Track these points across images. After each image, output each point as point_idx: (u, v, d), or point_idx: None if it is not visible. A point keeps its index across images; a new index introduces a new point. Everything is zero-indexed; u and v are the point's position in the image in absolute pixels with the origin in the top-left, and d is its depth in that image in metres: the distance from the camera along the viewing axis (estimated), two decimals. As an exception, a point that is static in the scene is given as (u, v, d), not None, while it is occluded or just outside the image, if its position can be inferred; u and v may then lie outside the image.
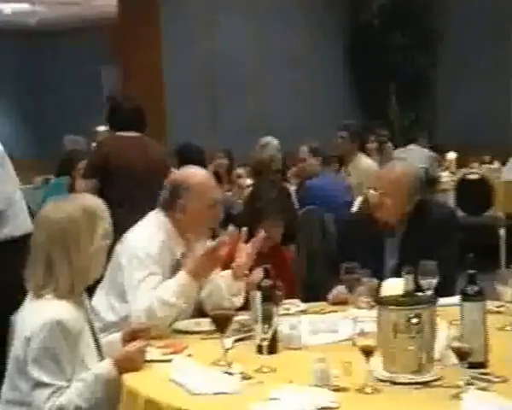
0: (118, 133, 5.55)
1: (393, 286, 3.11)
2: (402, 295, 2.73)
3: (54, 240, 2.76)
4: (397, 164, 4.03)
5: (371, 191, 4.01)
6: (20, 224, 4.51)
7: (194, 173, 3.63)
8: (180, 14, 9.92)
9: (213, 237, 3.77)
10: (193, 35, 9.95)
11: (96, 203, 2.90)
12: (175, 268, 3.46)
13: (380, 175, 4.04)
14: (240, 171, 7.61)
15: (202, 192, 3.54)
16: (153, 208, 3.66)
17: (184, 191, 3.52)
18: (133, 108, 5.64)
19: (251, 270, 3.65)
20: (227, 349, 2.88)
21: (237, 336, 3.13)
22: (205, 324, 3.30)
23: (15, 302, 3.29)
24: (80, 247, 2.77)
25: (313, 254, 5.96)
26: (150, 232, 3.50)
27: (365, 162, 7.55)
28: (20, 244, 4.46)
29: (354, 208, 6.34)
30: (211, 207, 3.58)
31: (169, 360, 2.89)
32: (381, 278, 3.49)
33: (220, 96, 10.08)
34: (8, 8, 12.58)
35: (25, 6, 12.56)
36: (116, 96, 5.95)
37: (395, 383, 2.58)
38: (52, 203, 2.87)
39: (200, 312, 3.56)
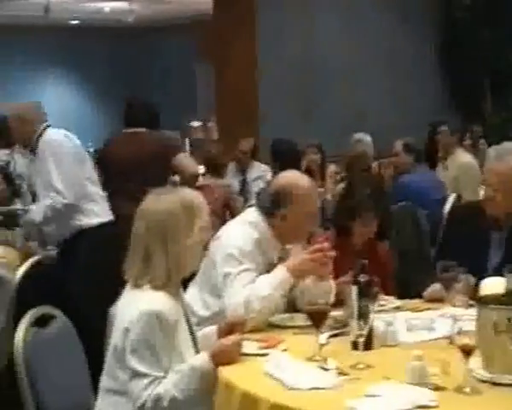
0: (123, 130, 5.80)
1: (493, 285, 3.03)
2: (503, 294, 2.65)
3: (152, 232, 2.78)
4: (508, 158, 3.87)
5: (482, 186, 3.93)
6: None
7: (299, 183, 3.55)
8: (275, 10, 9.91)
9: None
10: (287, 31, 9.92)
11: (195, 197, 2.90)
12: (268, 271, 3.43)
13: (491, 169, 3.91)
14: (333, 167, 7.56)
15: (305, 204, 3.50)
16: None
17: (287, 202, 3.49)
18: (142, 105, 5.88)
19: (343, 267, 3.61)
20: (322, 345, 2.85)
21: (332, 332, 3.10)
22: (299, 318, 3.28)
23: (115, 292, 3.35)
24: (177, 239, 2.78)
25: (405, 250, 5.87)
26: (245, 231, 3.49)
27: (464, 157, 7.48)
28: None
29: (447, 205, 6.23)
30: (311, 217, 3.55)
31: (265, 354, 2.88)
32: (483, 274, 3.39)
33: (313, 92, 10.03)
34: (106, 7, 12.81)
35: (122, 4, 12.76)
36: (132, 95, 6.32)
37: (496, 384, 2.50)
38: (152, 196, 2.88)
39: (292, 307, 3.53)
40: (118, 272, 4.30)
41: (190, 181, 5.80)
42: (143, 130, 5.63)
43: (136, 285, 2.78)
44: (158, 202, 2.83)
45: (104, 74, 15.86)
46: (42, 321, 3.05)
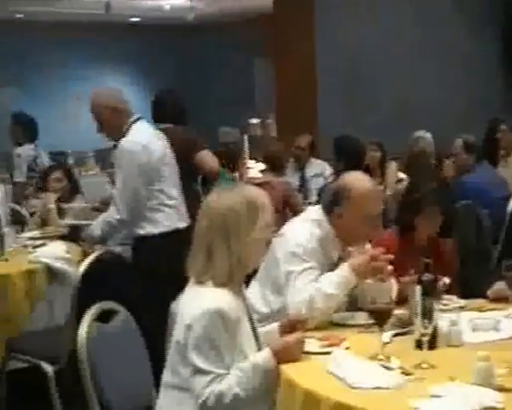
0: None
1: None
2: None
3: (215, 228, 2.78)
4: None
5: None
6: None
7: (358, 183, 3.51)
8: (332, 6, 9.87)
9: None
10: (344, 28, 9.86)
11: (259, 195, 2.89)
12: (330, 270, 3.41)
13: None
14: (394, 165, 7.48)
15: (361, 205, 3.45)
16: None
17: (343, 200, 3.47)
18: (170, 100, 6.00)
19: (406, 265, 3.57)
20: (385, 343, 2.83)
21: (395, 331, 3.07)
22: (361, 317, 3.25)
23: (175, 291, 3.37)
24: (240, 236, 2.78)
25: (467, 249, 5.79)
26: (308, 229, 3.48)
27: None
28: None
29: (511, 203, 6.13)
30: (368, 219, 3.49)
31: (327, 353, 2.86)
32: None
33: (370, 89, 9.95)
34: (167, 5, 12.89)
35: (183, 2, 12.82)
36: (160, 91, 6.37)
37: None
38: (216, 193, 2.89)
39: (352, 306, 3.51)
40: (179, 270, 4.35)
41: (209, 177, 5.90)
42: (170, 126, 5.65)
43: (199, 282, 2.78)
44: (221, 199, 2.83)
45: (164, 71, 15.97)
46: (105, 316, 3.08)
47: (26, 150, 7.81)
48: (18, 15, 13.90)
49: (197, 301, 2.72)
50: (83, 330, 2.92)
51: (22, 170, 7.84)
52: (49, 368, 4.29)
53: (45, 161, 7.95)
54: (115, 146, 4.79)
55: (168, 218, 4.77)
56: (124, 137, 4.73)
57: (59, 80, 14.98)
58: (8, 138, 13.25)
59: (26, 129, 8.01)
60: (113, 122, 4.78)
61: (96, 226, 4.78)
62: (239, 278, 2.84)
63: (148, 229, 4.72)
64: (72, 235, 5.18)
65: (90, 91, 5.03)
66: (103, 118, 4.80)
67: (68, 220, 5.40)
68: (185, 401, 2.73)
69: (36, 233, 5.75)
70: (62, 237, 5.33)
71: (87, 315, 2.99)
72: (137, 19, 14.93)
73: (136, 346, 3.14)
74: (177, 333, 2.78)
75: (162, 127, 5.55)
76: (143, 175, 4.66)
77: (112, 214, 4.68)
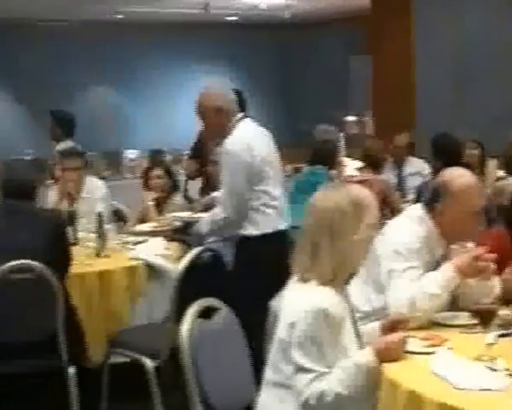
0: None
1: None
2: None
3: (321, 227, 2.77)
4: None
5: None
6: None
7: (458, 179, 3.45)
8: (430, 4, 9.75)
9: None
10: (442, 26, 9.73)
11: (364, 194, 2.87)
12: (433, 268, 3.36)
13: None
14: (493, 163, 7.34)
15: (462, 200, 3.39)
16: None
17: (443, 196, 3.41)
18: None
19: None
20: (490, 344, 2.76)
21: (500, 332, 2.99)
22: (463, 317, 3.20)
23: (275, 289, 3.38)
24: (345, 235, 2.76)
25: None
26: (411, 227, 3.43)
27: None
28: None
29: None
30: (471, 215, 3.42)
31: (430, 353, 2.83)
32: None
33: (469, 85, 9.78)
34: (263, 4, 12.91)
35: (279, 0, 12.84)
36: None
37: None
38: (322, 192, 2.89)
39: (452, 306, 3.44)
40: (279, 269, 4.36)
41: None
42: None
43: (303, 280, 2.78)
44: (327, 198, 2.82)
45: (261, 69, 16.02)
46: (206, 313, 3.10)
47: (64, 147, 8.07)
48: (118, 16, 14.16)
49: (301, 299, 2.72)
50: (185, 327, 2.94)
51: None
52: (149, 363, 4.37)
53: None
54: (218, 144, 4.81)
55: (269, 219, 4.76)
56: (228, 136, 4.74)
57: (155, 80, 15.17)
58: (111, 138, 13.56)
59: (64, 126, 8.27)
60: (216, 122, 4.79)
61: (204, 224, 4.81)
62: (343, 276, 2.83)
63: (249, 230, 4.73)
64: (182, 230, 5.23)
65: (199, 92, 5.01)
66: (206, 117, 4.83)
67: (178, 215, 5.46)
68: (287, 398, 2.73)
69: (150, 226, 5.85)
70: (175, 231, 5.40)
71: (189, 311, 3.01)
72: (234, 18, 15.02)
73: (238, 343, 3.16)
74: (280, 331, 2.78)
75: None
76: (248, 175, 4.66)
77: (219, 213, 4.71)
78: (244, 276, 4.68)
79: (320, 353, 2.66)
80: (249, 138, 4.73)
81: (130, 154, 13.04)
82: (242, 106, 6.14)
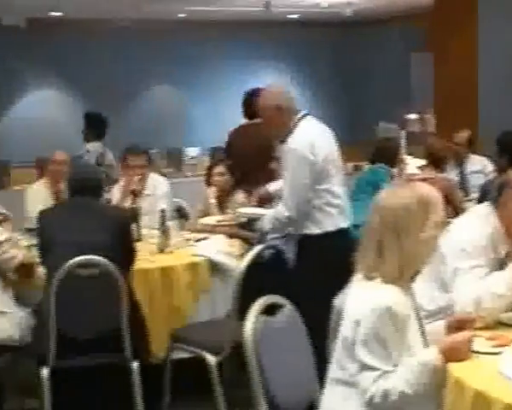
0: (249, 122, 6.69)
1: None
2: None
3: (386, 225, 2.76)
4: None
5: None
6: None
7: None
8: (494, 2, 9.63)
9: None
10: (507, 20, 9.58)
11: (431, 192, 2.85)
12: (498, 266, 3.32)
13: None
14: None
15: None
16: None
17: (506, 190, 3.36)
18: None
19: None
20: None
21: None
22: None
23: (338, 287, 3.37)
24: (411, 234, 2.74)
25: None
26: (477, 225, 3.40)
27: None
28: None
29: None
30: None
31: (496, 353, 2.79)
32: None
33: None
34: (324, 2, 12.87)
35: (341, -2, 12.80)
36: (248, 91, 6.90)
37: None
38: (387, 190, 2.87)
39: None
40: (341, 267, 4.34)
41: None
42: (257, 121, 5.72)
43: (368, 277, 2.77)
44: (393, 196, 2.81)
45: (322, 67, 15.98)
46: (270, 310, 3.11)
47: (94, 147, 8.28)
48: (181, 15, 14.26)
49: (366, 297, 2.71)
50: (249, 323, 2.95)
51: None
52: (211, 359, 4.39)
53: (110, 157, 8.33)
54: (282, 142, 4.80)
55: (332, 218, 4.74)
56: (291, 134, 4.74)
57: (217, 78, 15.25)
58: (172, 136, 13.69)
59: (94, 127, 8.56)
60: (276, 120, 4.79)
61: (267, 221, 4.81)
62: (408, 275, 2.80)
63: (311, 229, 4.72)
64: (246, 226, 5.25)
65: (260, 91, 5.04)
66: (267, 116, 4.84)
67: (243, 211, 5.49)
68: (351, 396, 2.72)
69: (215, 219, 5.88)
70: (240, 226, 5.45)
71: (253, 308, 3.02)
72: (295, 16, 15.01)
73: (301, 340, 3.16)
74: (345, 328, 2.77)
75: (250, 123, 6.37)
76: (311, 174, 4.64)
77: (281, 211, 4.70)
78: (305, 274, 4.67)
79: (385, 351, 2.64)
80: (311, 137, 4.71)
81: (191, 152, 13.13)
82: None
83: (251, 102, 6.38)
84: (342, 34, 15.80)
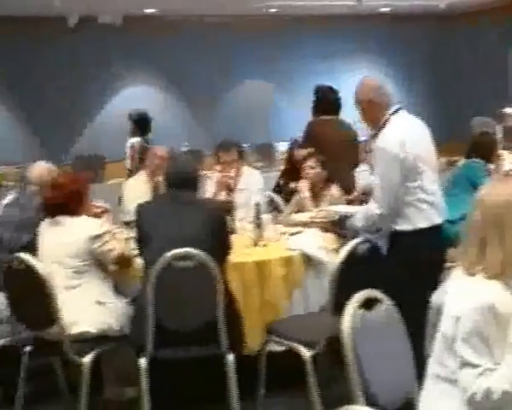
0: (321, 117, 7.04)
1: None
2: None
3: (489, 221, 2.72)
4: None
5: None
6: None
7: None
8: None
9: None
10: None
11: None
12: None
13: None
14: None
15: None
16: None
17: None
18: (333, 96, 7.09)
19: None
20: None
21: None
22: None
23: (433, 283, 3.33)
24: None
25: None
26: None
27: None
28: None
29: None
30: None
31: None
32: None
33: None
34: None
35: (435, -10, 12.66)
36: (320, 87, 7.29)
37: None
38: (488, 186, 2.83)
39: None
40: (436, 262, 4.28)
41: None
42: (335, 117, 5.75)
43: (470, 273, 2.74)
44: (495, 192, 2.76)
45: (414, 61, 15.81)
46: (368, 304, 3.10)
47: (137, 141, 8.50)
48: (272, 10, 14.31)
49: (467, 294, 2.67)
50: (347, 317, 2.95)
51: (135, 158, 9.29)
52: (306, 353, 4.40)
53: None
54: (375, 136, 4.77)
55: (424, 214, 4.67)
56: (382, 129, 4.70)
57: (307, 72, 15.22)
58: (263, 130, 13.75)
59: (136, 124, 9.38)
60: (369, 114, 4.78)
61: (358, 219, 4.78)
62: (511, 271, 2.75)
63: (403, 225, 4.67)
64: (338, 223, 5.23)
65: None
66: (360, 109, 4.83)
67: (334, 208, 5.47)
68: (452, 393, 2.69)
69: (307, 216, 5.89)
70: (332, 224, 5.40)
71: (351, 302, 3.02)
72: (387, 9, 14.89)
73: (399, 336, 3.14)
74: (445, 325, 2.74)
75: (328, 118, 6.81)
76: (402, 171, 4.58)
77: (373, 209, 4.67)
78: (397, 270, 4.63)
79: (486, 348, 2.60)
80: (402, 134, 4.64)
81: (282, 146, 13.17)
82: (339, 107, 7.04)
83: (323, 98, 7.08)
84: (435, 27, 15.59)
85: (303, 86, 15.29)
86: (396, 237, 4.70)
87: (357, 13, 14.28)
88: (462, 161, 7.18)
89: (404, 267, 4.62)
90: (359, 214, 4.81)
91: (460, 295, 2.72)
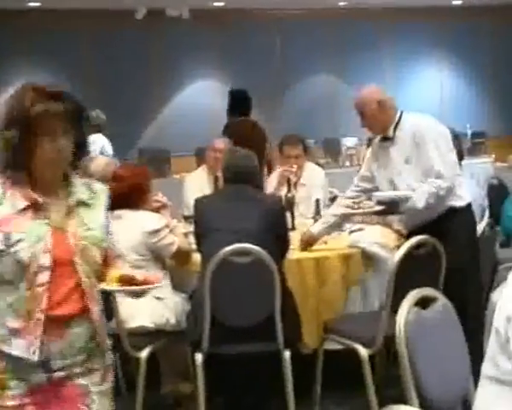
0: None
1: None
2: None
3: None
4: None
5: None
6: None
7: None
8: None
9: None
10: None
11: None
12: None
13: None
14: None
15: None
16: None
17: None
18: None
19: None
20: None
21: None
22: None
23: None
24: None
25: None
26: None
27: None
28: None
29: None
30: None
31: None
32: None
33: None
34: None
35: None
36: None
37: None
38: None
39: None
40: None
41: None
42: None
43: None
44: None
45: (485, 55, 15.56)
46: (424, 302, 3.07)
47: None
48: (341, 4, 14.28)
49: None
50: (402, 316, 2.91)
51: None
52: (363, 351, 4.38)
53: None
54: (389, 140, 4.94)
55: (464, 191, 4.92)
56: (398, 125, 4.89)
57: (374, 67, 15.11)
58: (329, 125, 13.66)
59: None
60: (379, 116, 4.91)
61: (420, 199, 4.71)
62: None
63: (457, 202, 4.85)
64: (390, 209, 5.12)
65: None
66: (369, 113, 4.91)
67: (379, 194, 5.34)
68: (504, 394, 2.64)
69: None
70: (379, 213, 5.19)
71: (406, 300, 2.99)
72: (459, 2, 14.71)
73: (455, 334, 3.09)
74: (497, 323, 2.69)
75: None
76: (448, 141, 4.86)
77: (440, 184, 4.70)
78: (460, 249, 4.70)
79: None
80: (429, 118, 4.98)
81: (348, 142, 13.11)
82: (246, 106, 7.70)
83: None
84: (507, 20, 15.32)
85: (369, 80, 15.22)
86: (451, 216, 4.79)
87: (429, 5, 14.14)
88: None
89: (467, 245, 4.77)
90: (420, 195, 4.72)
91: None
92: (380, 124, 4.92)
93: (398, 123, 4.88)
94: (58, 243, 2.63)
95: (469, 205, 4.91)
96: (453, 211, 4.83)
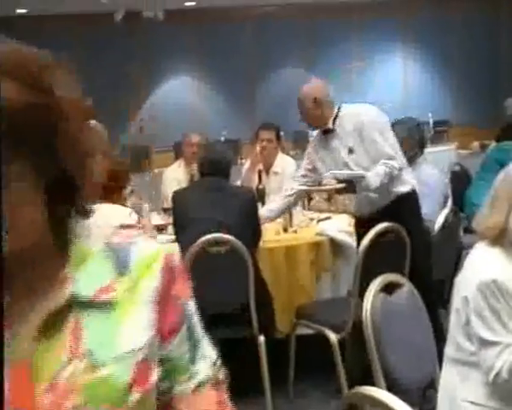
0: None
1: None
2: None
3: None
4: None
5: None
6: None
7: None
8: None
9: None
10: None
11: None
12: None
13: None
14: None
15: None
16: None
17: None
18: None
19: None
20: None
21: None
22: None
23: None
24: None
25: None
26: None
27: None
28: None
29: None
30: None
31: None
32: None
33: None
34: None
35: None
36: None
37: None
38: None
39: None
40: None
41: None
42: None
43: (489, 246, 2.63)
44: None
45: (451, 46, 15.44)
46: (389, 288, 3.03)
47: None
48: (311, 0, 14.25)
49: (474, 272, 2.58)
50: (368, 301, 2.88)
51: None
52: (333, 336, 4.35)
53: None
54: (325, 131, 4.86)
55: (408, 176, 4.81)
56: (337, 118, 4.82)
57: (347, 60, 15.06)
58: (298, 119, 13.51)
59: None
60: (320, 110, 4.84)
61: (375, 179, 4.60)
62: None
63: (400, 188, 4.75)
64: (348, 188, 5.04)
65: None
66: (308, 109, 4.87)
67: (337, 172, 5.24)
68: (469, 375, 2.60)
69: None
70: (338, 191, 5.05)
71: (372, 286, 2.95)
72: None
73: (421, 318, 3.06)
74: (456, 302, 2.66)
75: None
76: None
77: (393, 164, 4.63)
78: (424, 251, 4.62)
79: (501, 324, 2.50)
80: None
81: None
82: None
83: None
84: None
85: (342, 74, 15.14)
86: (400, 202, 4.72)
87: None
88: (493, 144, 7.01)
89: (417, 227, 4.70)
90: (375, 175, 4.64)
91: (468, 273, 2.63)
92: (316, 119, 4.85)
93: (337, 115, 4.80)
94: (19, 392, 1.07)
95: (414, 190, 4.80)
96: (401, 196, 4.75)
